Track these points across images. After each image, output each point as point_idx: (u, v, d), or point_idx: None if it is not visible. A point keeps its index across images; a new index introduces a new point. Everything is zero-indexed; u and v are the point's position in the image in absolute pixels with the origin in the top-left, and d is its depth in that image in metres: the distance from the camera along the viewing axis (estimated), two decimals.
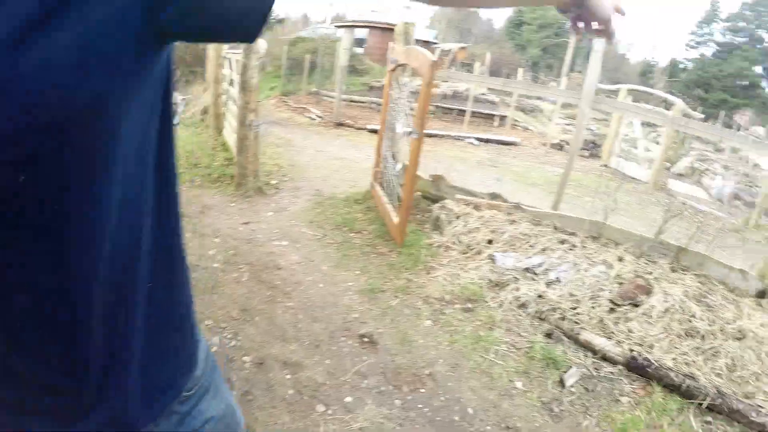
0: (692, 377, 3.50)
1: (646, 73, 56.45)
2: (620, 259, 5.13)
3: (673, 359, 3.70)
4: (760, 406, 3.39)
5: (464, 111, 15.70)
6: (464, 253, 4.92)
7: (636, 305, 4.29)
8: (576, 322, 4.04)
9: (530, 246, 4.99)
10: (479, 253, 4.92)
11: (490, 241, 5.05)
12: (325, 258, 4.77)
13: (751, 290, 5.17)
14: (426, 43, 34.69)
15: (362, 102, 17.05)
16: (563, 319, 4.06)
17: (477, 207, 5.56)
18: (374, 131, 11.30)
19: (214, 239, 4.79)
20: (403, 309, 4.07)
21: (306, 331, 3.61)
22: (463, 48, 24.92)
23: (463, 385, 3.32)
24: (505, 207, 5.64)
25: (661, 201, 12.16)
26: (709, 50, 55.57)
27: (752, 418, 3.30)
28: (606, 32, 1.10)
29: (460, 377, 3.39)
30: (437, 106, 17.00)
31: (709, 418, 3.34)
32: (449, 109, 17.30)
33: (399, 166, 5.07)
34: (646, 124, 15.26)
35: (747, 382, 3.64)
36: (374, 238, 5.17)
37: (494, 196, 5.91)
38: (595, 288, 4.48)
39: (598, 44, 5.62)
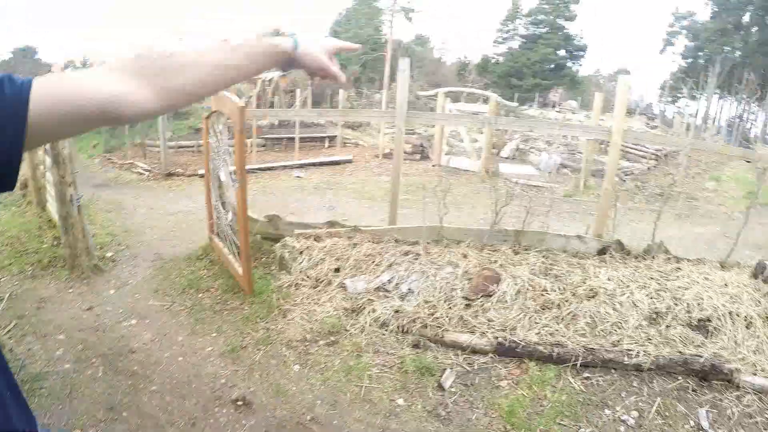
0: (559, 345, 3.75)
1: (461, 71, 60.18)
2: (464, 256, 5.29)
3: (537, 334, 3.93)
4: (629, 350, 3.72)
5: (294, 138, 15.70)
6: (315, 288, 4.80)
7: (489, 295, 4.47)
8: (438, 327, 4.12)
9: (376, 265, 4.98)
10: (329, 283, 4.82)
11: (337, 270, 4.98)
12: (179, 328, 4.40)
13: (591, 251, 5.66)
14: None
15: (190, 147, 16.24)
16: (425, 326, 4.14)
17: (317, 238, 5.45)
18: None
19: (58, 337, 4.20)
20: (269, 361, 3.88)
21: (178, 412, 3.29)
22: (284, 76, 24.87)
23: (347, 419, 3.25)
24: (344, 232, 5.60)
25: (494, 186, 12.93)
26: (516, 43, 61.26)
27: (626, 362, 3.65)
28: (332, 78, 1.20)
29: (342, 412, 3.31)
30: (266, 138, 16.80)
31: (587, 374, 3.59)
32: (278, 139, 17.11)
33: (230, 215, 4.84)
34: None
35: (611, 333, 3.98)
36: (223, 294, 4.88)
37: (332, 224, 5.84)
38: (447, 290, 4.61)
39: (404, 64, 5.82)
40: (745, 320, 4.13)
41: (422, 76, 44.97)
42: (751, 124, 52.07)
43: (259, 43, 1.06)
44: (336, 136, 17.57)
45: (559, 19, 58.68)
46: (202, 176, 11.94)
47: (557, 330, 4.00)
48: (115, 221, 8.06)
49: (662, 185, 14.26)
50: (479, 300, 4.44)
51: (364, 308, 4.41)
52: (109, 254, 6.16)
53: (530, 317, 4.16)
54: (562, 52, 59.01)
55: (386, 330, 4.19)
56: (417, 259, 5.12)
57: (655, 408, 3.34)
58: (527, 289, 4.52)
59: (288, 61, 1.11)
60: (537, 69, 56.13)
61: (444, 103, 15.45)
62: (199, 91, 0.95)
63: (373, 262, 5.00)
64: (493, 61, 60.84)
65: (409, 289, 4.66)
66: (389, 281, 4.75)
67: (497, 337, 3.88)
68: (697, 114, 53.48)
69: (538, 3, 59.49)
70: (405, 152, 15.60)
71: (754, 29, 49.44)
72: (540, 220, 6.40)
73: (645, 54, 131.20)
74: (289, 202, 9.38)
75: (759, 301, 4.44)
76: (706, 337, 4.00)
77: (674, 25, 62.18)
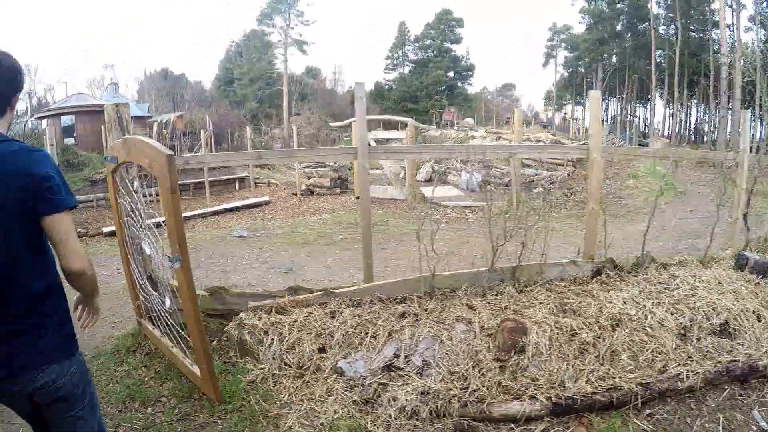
0: (615, 388, 3.37)
1: (354, 101, 60.10)
2: (471, 308, 4.38)
3: (587, 381, 3.45)
4: (678, 374, 3.47)
5: (202, 183, 14.24)
6: (301, 378, 3.56)
7: (522, 350, 3.67)
8: (479, 401, 3.27)
9: (372, 337, 3.83)
10: (318, 369, 3.61)
11: (322, 349, 3.77)
12: None
13: (586, 274, 5.22)
14: (140, 119, 31.94)
15: (89, 202, 14.48)
16: (465, 405, 3.25)
17: (281, 310, 4.19)
18: (113, 234, 9.52)
19: None
20: None
21: None
22: (180, 116, 23.30)
23: None
24: (314, 299, 4.36)
25: (428, 212, 12.12)
26: (406, 68, 62.49)
27: (679, 387, 3.39)
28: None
29: None
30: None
31: (648, 411, 3.26)
32: (184, 185, 15.51)
33: (167, 300, 3.48)
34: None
35: (654, 360, 3.68)
36: (180, 404, 3.42)
37: (294, 290, 4.52)
38: (470, 353, 3.69)
39: (360, 90, 4.80)
40: (755, 314, 4.16)
41: (322, 109, 44.13)
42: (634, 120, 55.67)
43: None
44: (246, 176, 16.16)
45: (446, 42, 60.89)
46: (108, 235, 10.42)
47: (605, 372, 3.55)
48: None
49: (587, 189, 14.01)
50: (513, 358, 3.62)
51: (380, 396, 3.31)
52: None
53: (572, 365, 3.59)
54: (451, 74, 61.01)
55: (418, 419, 3.19)
56: (417, 320, 4.06)
57: (722, 426, 3.15)
58: (557, 334, 3.86)
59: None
60: (430, 91, 57.41)
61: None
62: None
63: (366, 333, 3.85)
64: (386, 87, 61.30)
65: (424, 361, 3.60)
66: (396, 355, 3.62)
67: (550, 398, 3.27)
68: (585, 118, 56.52)
69: (423, 29, 61.27)
70: (325, 186, 14.52)
71: (628, 35, 52.61)
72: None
73: (529, 68, 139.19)
74: (217, 259, 7.98)
75: (756, 294, 4.48)
76: (732, 340, 3.93)
77: (553, 39, 65.88)
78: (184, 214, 11.94)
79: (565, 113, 68.86)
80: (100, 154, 20.44)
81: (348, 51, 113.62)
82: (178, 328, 3.51)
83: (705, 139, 45.89)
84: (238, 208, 12.75)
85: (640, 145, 28.22)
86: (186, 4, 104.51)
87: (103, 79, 57.62)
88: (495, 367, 3.53)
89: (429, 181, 18.12)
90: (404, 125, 17.05)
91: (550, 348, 3.70)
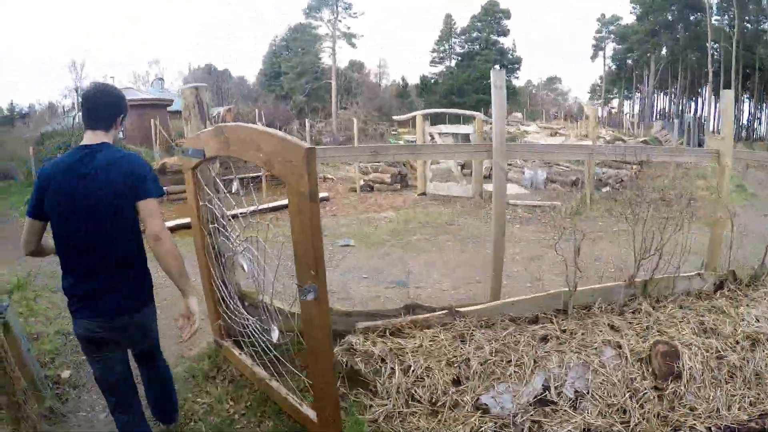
0: (766, 414, 3.07)
1: (401, 94, 59.53)
2: (613, 328, 3.77)
3: (740, 408, 3.13)
4: None
5: (252, 178, 13.79)
6: (436, 416, 2.97)
7: (678, 377, 3.28)
8: None
9: (516, 366, 3.21)
10: (456, 405, 3.01)
11: (457, 381, 3.17)
12: None
13: (710, 287, 4.76)
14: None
15: None
16: None
17: (397, 332, 3.59)
18: (184, 227, 8.84)
19: None
20: None
21: None
22: (229, 110, 23.01)
23: None
24: (436, 319, 3.74)
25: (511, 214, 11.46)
26: (452, 62, 61.41)
27: None
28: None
29: None
30: (225, 179, 14.53)
31: None
32: (229, 180, 14.96)
33: (276, 334, 2.88)
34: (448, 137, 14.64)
35: None
36: None
37: (411, 308, 3.88)
38: (626, 381, 3.22)
39: (499, 78, 4.13)
40: None
41: (364, 102, 43.60)
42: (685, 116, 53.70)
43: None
44: None
45: (493, 34, 59.75)
46: (178, 228, 9.91)
47: (755, 397, 3.23)
48: (65, 308, 5.79)
49: (659, 189, 13.09)
50: (670, 385, 3.23)
51: None
52: (65, 374, 4.04)
53: (725, 391, 3.26)
54: (497, 67, 58.93)
55: None
56: (561, 344, 3.43)
57: None
58: (706, 357, 3.50)
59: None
60: (478, 85, 56.12)
61: (425, 127, 13.71)
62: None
63: (509, 361, 3.23)
64: (432, 81, 60.43)
65: (577, 392, 3.07)
66: (546, 387, 3.03)
67: (709, 428, 2.96)
68: (638, 112, 54.91)
69: (470, 21, 60.02)
70: (385, 182, 13.91)
71: (679, 27, 50.59)
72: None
73: (575, 61, 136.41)
74: (284, 261, 7.41)
75: None
76: None
77: (602, 31, 64.01)
78: (239, 210, 11.35)
79: (611, 107, 67.28)
80: (148, 149, 20.26)
81: (392, 44, 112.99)
82: (288, 364, 2.94)
83: (753, 135, 43.96)
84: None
85: (699, 144, 26.73)
86: None
87: (148, 75, 58.45)
88: (653, 397, 3.15)
89: (488, 177, 17.36)
90: (468, 119, 16.28)
91: (702, 373, 3.35)
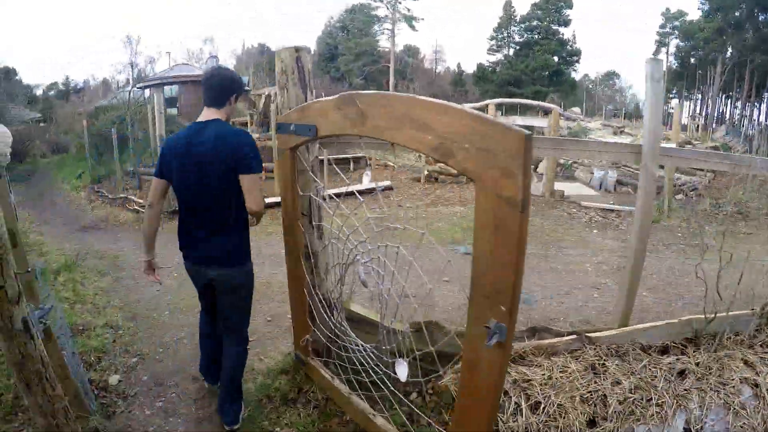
0: None
1: (456, 82, 58.58)
2: (747, 363, 3.23)
3: None
4: None
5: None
6: None
7: None
8: None
9: (658, 405, 2.77)
10: None
11: (592, 422, 2.75)
12: None
13: None
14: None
15: None
16: None
17: (519, 359, 3.13)
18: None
19: None
20: None
21: None
22: None
23: None
24: (564, 346, 3.29)
25: (574, 213, 10.92)
26: (510, 51, 59.53)
27: None
28: None
29: None
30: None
31: None
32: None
33: (404, 372, 2.45)
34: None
35: None
36: None
37: (536, 330, 3.38)
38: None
39: (657, 70, 3.52)
40: None
41: (419, 89, 42.93)
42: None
43: None
44: (362, 156, 15.26)
45: (553, 24, 57.80)
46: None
47: None
48: (114, 296, 5.43)
49: (737, 200, 12.28)
50: None
51: None
52: (113, 380, 3.56)
53: None
54: (556, 58, 57.79)
55: None
56: (700, 380, 2.97)
57: None
58: None
59: None
60: (536, 76, 55.00)
61: (496, 117, 13.16)
62: None
63: (648, 399, 2.79)
64: (489, 69, 59.14)
65: None
66: (686, 430, 2.60)
67: None
68: (703, 114, 52.77)
69: (530, 9, 58.38)
70: (451, 174, 13.44)
71: (747, 26, 48.15)
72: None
73: (638, 55, 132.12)
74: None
75: None
76: None
77: (666, 26, 61.53)
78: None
79: (671, 108, 64.68)
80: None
81: (449, 29, 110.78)
82: (409, 403, 2.56)
83: None
84: (361, 192, 11.79)
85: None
86: None
87: (202, 52, 58.85)
88: None
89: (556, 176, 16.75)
90: (545, 112, 15.63)
91: None
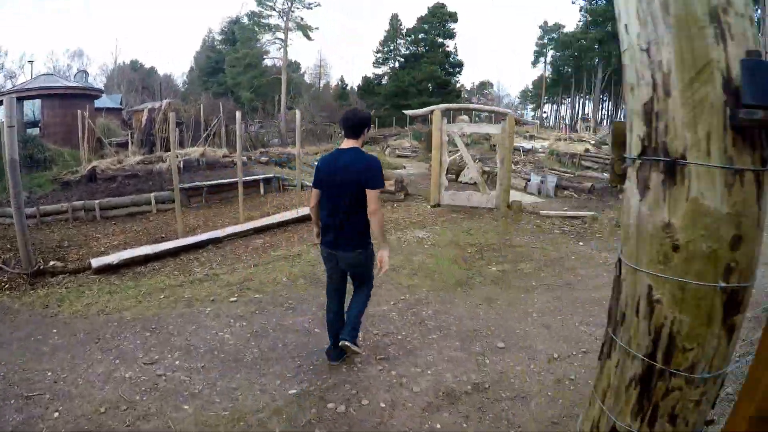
0: None
1: (341, 95, 56.96)
2: None
3: None
4: None
5: (217, 187, 10.84)
6: None
7: None
8: None
9: None
10: None
11: None
12: None
13: None
14: (114, 111, 27.79)
15: (59, 214, 10.21)
16: None
17: None
18: (107, 270, 6.61)
19: None
20: None
21: None
22: (170, 103, 19.67)
23: None
24: None
25: (543, 225, 9.17)
26: (396, 63, 59.37)
27: None
28: None
29: None
30: (182, 189, 10.56)
31: None
32: (194, 188, 11.48)
33: None
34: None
35: None
36: None
37: None
38: None
39: None
40: None
41: (308, 103, 40.52)
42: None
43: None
44: (273, 177, 12.64)
45: (439, 37, 58.25)
46: (101, 272, 6.53)
47: None
48: None
49: None
50: None
51: None
52: None
53: None
54: (441, 70, 58.03)
55: None
56: None
57: None
58: None
59: None
60: (422, 87, 54.88)
61: (442, 126, 10.83)
62: None
63: None
64: (375, 82, 58.11)
65: None
66: None
67: None
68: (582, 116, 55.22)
69: (416, 23, 58.39)
70: (388, 191, 11.15)
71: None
72: None
73: (517, 65, 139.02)
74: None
75: None
76: None
77: (543, 38, 64.12)
78: (212, 234, 8.24)
79: (544, 113, 67.97)
80: (73, 149, 16.55)
81: (333, 43, 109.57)
82: None
83: None
84: (287, 223, 9.10)
85: None
86: None
87: (70, 68, 52.83)
88: None
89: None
90: (499, 117, 13.68)
91: None
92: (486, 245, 7.54)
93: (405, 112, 12.32)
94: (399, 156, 26.93)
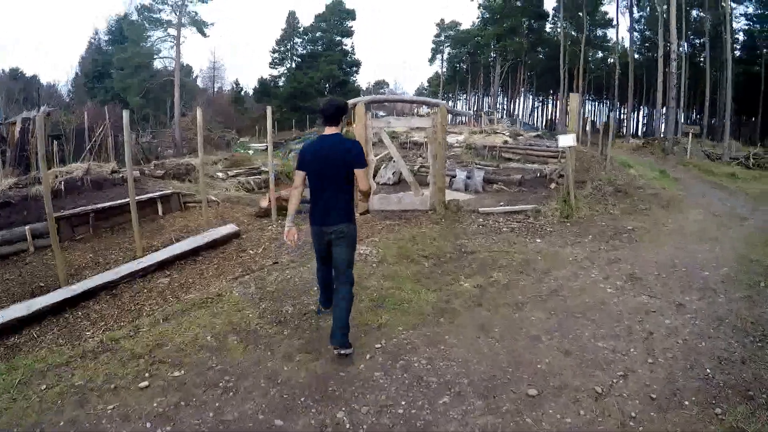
0: None
1: (236, 100, 54.53)
2: None
3: None
4: None
5: (106, 211, 9.17)
6: None
7: None
8: None
9: None
10: None
11: None
12: None
13: None
14: None
15: None
16: None
17: None
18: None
19: None
20: None
21: None
22: (48, 114, 17.28)
23: None
24: None
25: (489, 224, 8.34)
26: (294, 64, 57.40)
27: None
28: None
29: None
30: (62, 218, 8.43)
31: None
32: (82, 216, 9.34)
33: None
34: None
35: None
36: None
37: None
38: None
39: None
40: None
41: (202, 108, 37.90)
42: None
43: None
44: (172, 194, 10.83)
45: (337, 35, 57.39)
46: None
47: None
48: None
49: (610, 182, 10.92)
50: None
51: None
52: None
53: None
54: (340, 69, 57.36)
55: None
56: None
57: None
58: None
59: None
60: (321, 87, 53.75)
61: (367, 120, 9.54)
62: None
63: None
64: (272, 84, 56.02)
65: None
66: None
67: None
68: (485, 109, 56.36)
69: (313, 20, 57.24)
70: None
71: (524, 31, 53.09)
72: None
73: (414, 63, 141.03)
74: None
75: None
76: None
77: (440, 35, 64.78)
78: (104, 278, 6.13)
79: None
80: None
81: (228, 43, 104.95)
82: None
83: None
84: (198, 252, 7.19)
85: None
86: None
87: None
88: None
89: (398, 183, 14.04)
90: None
91: None
92: (441, 255, 6.52)
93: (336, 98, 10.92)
94: None
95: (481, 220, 8.66)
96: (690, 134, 21.74)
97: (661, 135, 24.83)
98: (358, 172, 3.84)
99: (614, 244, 7.38)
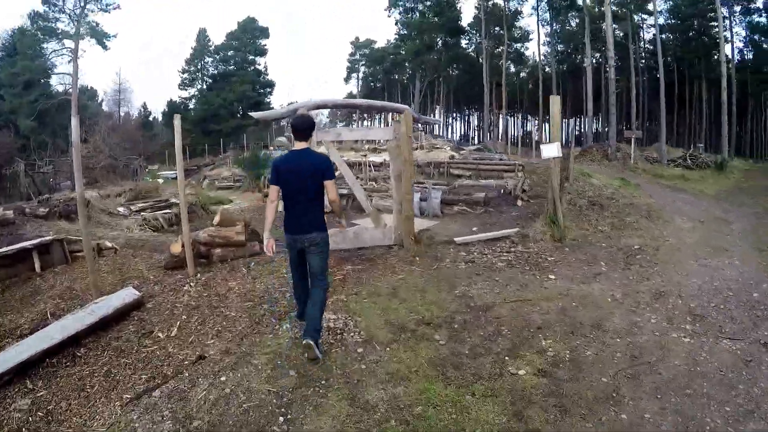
0: None
1: (145, 125, 50.94)
2: None
3: None
4: None
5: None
6: None
7: None
8: None
9: None
10: None
11: None
12: None
13: None
14: None
15: None
16: None
17: None
18: None
19: None
20: None
21: None
22: None
23: None
24: None
25: (473, 257, 6.55)
26: (205, 84, 54.39)
27: None
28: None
29: None
30: None
31: None
32: None
33: None
34: None
35: None
36: None
37: None
38: None
39: None
40: None
41: (106, 134, 34.05)
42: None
43: None
44: (51, 241, 7.84)
45: (250, 54, 55.02)
46: None
47: None
48: None
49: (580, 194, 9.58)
50: None
51: None
52: None
53: None
54: (253, 89, 54.76)
55: None
56: None
57: None
58: None
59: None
60: (234, 109, 51.37)
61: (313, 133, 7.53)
62: None
63: None
64: (182, 106, 52.63)
65: None
66: None
67: None
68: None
69: (225, 39, 54.82)
70: (236, 244, 7.42)
71: (441, 47, 53.03)
72: None
73: (329, 83, 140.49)
74: None
75: None
76: None
77: (355, 54, 63.83)
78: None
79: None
80: None
81: (134, 63, 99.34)
82: None
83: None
84: (78, 340, 4.49)
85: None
86: None
87: None
88: None
89: (345, 209, 12.10)
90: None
91: None
92: (448, 318, 4.67)
93: (253, 114, 8.50)
94: (220, 188, 21.92)
95: (463, 254, 6.77)
96: (633, 139, 21.41)
97: (606, 141, 24.62)
98: (327, 184, 4.17)
99: (638, 270, 6.25)
